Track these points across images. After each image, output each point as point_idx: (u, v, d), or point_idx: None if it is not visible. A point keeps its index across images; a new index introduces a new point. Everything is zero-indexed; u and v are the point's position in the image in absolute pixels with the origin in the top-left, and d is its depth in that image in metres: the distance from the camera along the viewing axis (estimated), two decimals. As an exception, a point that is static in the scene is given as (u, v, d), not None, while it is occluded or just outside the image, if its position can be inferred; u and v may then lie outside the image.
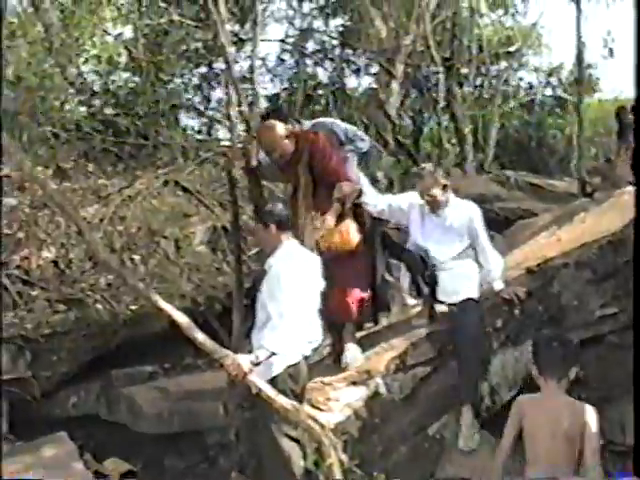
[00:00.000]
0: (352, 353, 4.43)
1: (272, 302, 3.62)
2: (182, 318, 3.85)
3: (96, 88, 10.30)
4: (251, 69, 5.68)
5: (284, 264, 3.75)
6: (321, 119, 5.15)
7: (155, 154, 8.96)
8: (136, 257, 6.90)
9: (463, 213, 4.36)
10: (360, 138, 4.91)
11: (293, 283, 3.69)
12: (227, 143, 9.41)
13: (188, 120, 12.23)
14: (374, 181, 4.88)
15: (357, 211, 4.54)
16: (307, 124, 4.90)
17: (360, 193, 4.47)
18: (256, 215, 4.43)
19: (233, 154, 4.92)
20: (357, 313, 4.47)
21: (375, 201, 4.55)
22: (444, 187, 4.34)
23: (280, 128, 4.47)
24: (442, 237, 4.39)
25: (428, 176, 4.32)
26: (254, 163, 4.69)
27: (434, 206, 4.37)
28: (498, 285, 4.34)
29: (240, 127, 4.98)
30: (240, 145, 4.83)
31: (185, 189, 8.03)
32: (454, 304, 4.32)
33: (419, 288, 4.66)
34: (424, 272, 4.44)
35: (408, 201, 4.55)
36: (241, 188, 5.31)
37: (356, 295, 4.45)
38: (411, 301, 5.16)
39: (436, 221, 4.41)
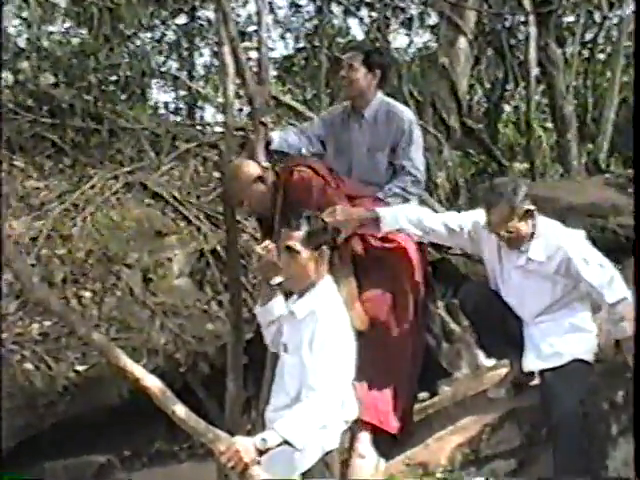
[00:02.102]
0: (360, 464, 4.52)
1: (312, 368, 3.74)
2: (153, 383, 3.96)
3: (22, 44, 10.45)
4: (257, 19, 5.80)
5: (331, 312, 3.85)
6: (400, 105, 5.48)
7: (113, 144, 9.06)
8: (86, 294, 7.01)
9: (554, 246, 4.40)
10: (417, 178, 5.29)
11: (340, 342, 3.80)
12: (219, 129, 9.53)
13: (160, 94, 12.40)
14: (434, 186, 5.06)
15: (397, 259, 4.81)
16: (380, 96, 5.40)
17: (376, 224, 4.68)
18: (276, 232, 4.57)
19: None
20: (390, 420, 4.64)
21: (412, 221, 4.68)
22: (527, 213, 4.38)
23: (251, 168, 4.95)
24: (527, 282, 4.49)
25: (503, 203, 4.32)
26: (261, 159, 4.90)
27: (513, 242, 4.44)
28: (621, 331, 4.33)
29: (238, 105, 5.13)
30: (238, 133, 4.98)
31: (157, 195, 8.16)
32: (553, 369, 4.39)
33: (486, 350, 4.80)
34: (485, 326, 4.59)
35: (473, 220, 4.65)
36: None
37: (391, 395, 4.66)
38: (487, 361, 5.26)
39: (516, 260, 4.50)
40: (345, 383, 3.84)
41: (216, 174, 8.43)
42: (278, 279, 4.10)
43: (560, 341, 4.38)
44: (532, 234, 4.41)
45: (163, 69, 12.19)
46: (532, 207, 4.39)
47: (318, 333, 3.75)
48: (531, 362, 4.49)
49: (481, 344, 4.95)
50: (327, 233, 4.01)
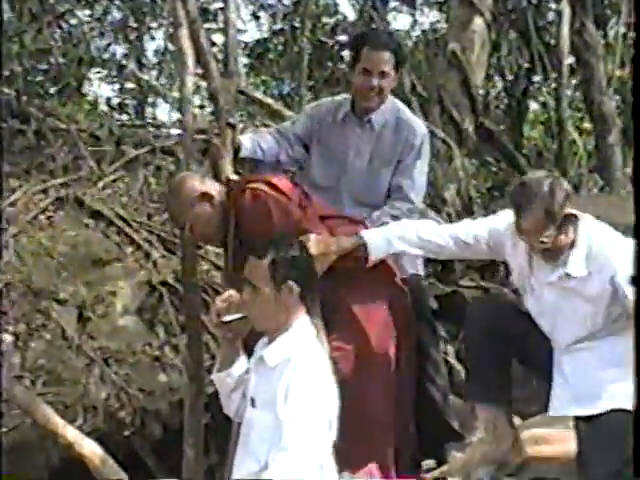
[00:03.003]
0: None
1: (287, 425, 3.70)
2: (91, 449, 3.94)
3: None
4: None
5: (310, 358, 3.84)
6: (413, 115, 5.51)
7: (41, 149, 9.07)
8: (7, 337, 6.98)
9: (599, 258, 4.32)
10: (413, 206, 5.28)
11: (320, 395, 3.78)
12: (175, 131, 9.53)
13: (102, 87, 12.38)
14: (442, 202, 5.06)
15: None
16: (391, 99, 5.38)
17: (363, 252, 4.65)
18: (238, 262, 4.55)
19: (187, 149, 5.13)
20: None
21: (410, 240, 4.67)
22: (568, 219, 4.30)
23: (196, 183, 4.89)
24: (563, 303, 4.44)
25: (538, 207, 4.19)
26: (228, 170, 4.88)
27: (549, 255, 4.40)
28: None
29: (199, 102, 5.16)
30: (199, 136, 4.99)
31: (97, 214, 8.14)
32: (588, 417, 4.32)
33: None
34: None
35: (490, 227, 4.63)
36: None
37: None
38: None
39: (550, 275, 4.45)
40: (325, 444, 3.82)
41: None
42: (231, 316, 4.08)
43: (601, 378, 4.28)
44: (572, 242, 4.33)
45: (105, 56, 12.19)
46: (574, 211, 4.29)
47: (294, 384, 3.73)
48: (561, 404, 4.41)
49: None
50: (296, 265, 3.98)
